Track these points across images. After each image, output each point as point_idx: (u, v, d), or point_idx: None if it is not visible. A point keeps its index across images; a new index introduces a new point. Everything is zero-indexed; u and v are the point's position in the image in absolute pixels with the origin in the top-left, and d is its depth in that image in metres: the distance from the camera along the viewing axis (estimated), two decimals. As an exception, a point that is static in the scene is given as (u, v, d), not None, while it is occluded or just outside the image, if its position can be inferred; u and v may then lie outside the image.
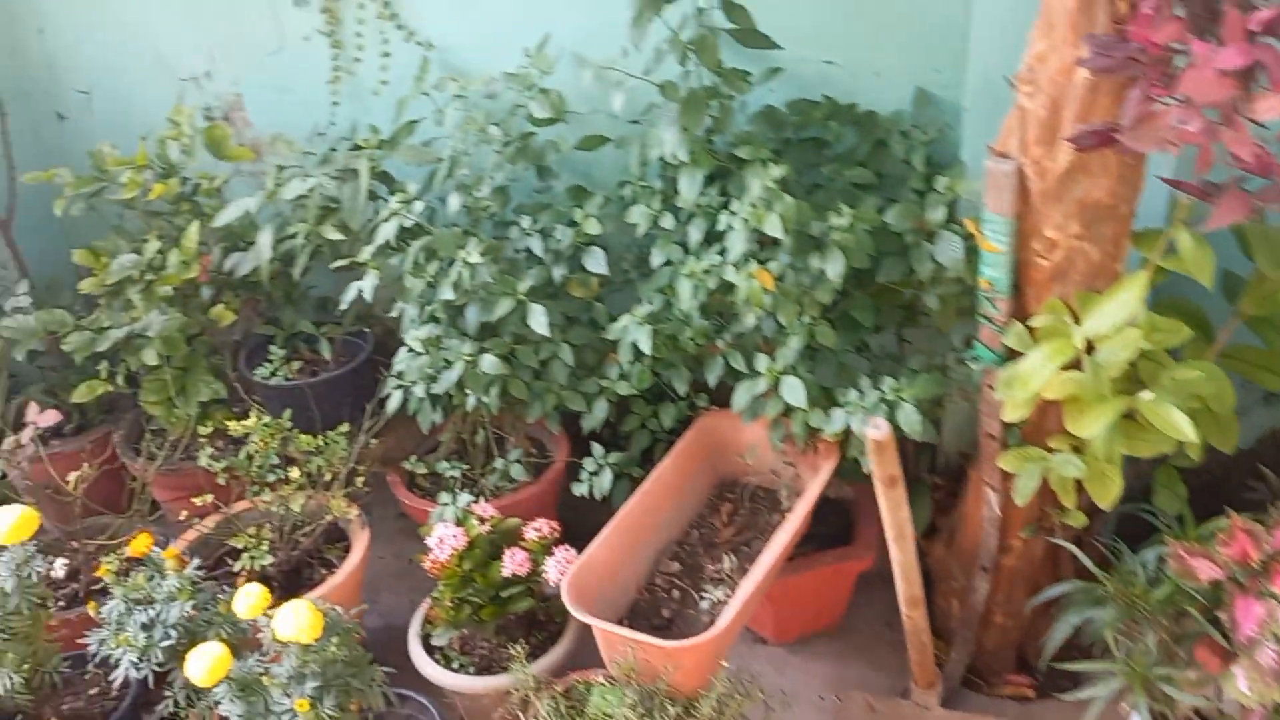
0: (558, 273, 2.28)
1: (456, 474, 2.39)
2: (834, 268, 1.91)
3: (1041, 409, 1.87)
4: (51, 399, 2.72)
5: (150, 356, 2.36)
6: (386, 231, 2.22)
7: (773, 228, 1.90)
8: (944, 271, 1.94)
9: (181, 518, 2.23)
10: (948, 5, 2.13)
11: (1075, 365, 1.74)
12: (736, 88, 2.04)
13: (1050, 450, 1.90)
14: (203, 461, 2.22)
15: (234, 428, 2.19)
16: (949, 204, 1.95)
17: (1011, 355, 1.89)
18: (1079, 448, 1.86)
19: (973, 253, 1.91)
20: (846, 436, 2.05)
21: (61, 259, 2.76)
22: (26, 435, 2.16)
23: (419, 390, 2.28)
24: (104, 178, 2.46)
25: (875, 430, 1.59)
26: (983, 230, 1.83)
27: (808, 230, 1.96)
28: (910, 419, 1.91)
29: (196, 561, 1.93)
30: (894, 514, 1.73)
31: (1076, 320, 1.78)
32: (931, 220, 1.94)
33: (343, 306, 2.31)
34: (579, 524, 2.30)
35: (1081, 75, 1.61)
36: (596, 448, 2.32)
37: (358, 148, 2.49)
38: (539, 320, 2.14)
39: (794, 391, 2.02)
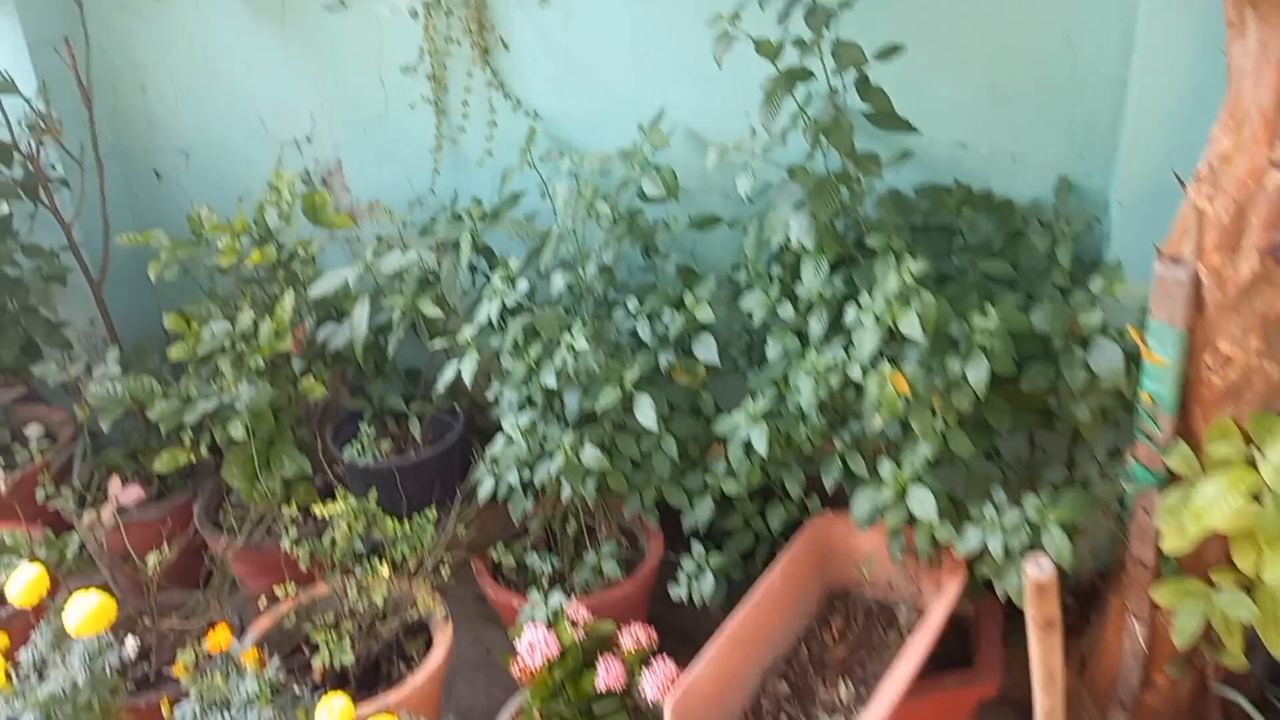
0: (664, 359, 2.15)
1: (546, 568, 2.25)
2: (977, 373, 1.75)
3: (1204, 538, 1.68)
4: (132, 462, 2.65)
5: (237, 430, 2.27)
6: (488, 311, 2.11)
7: (910, 328, 1.75)
8: (1098, 382, 1.76)
9: (261, 605, 2.11)
10: (1098, 88, 1.98)
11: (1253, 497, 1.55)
12: (870, 172, 1.90)
13: (1212, 584, 1.70)
14: (285, 545, 2.11)
15: (319, 511, 2.08)
16: (1105, 307, 1.78)
17: (1172, 477, 1.71)
18: (1248, 585, 1.66)
19: (1133, 362, 1.73)
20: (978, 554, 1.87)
21: (152, 318, 2.70)
22: (107, 513, 2.07)
23: (512, 478, 2.16)
24: (200, 242, 2.40)
25: (1036, 570, 1.42)
26: (1147, 340, 1.66)
27: (946, 330, 1.81)
28: (1059, 546, 1.73)
29: (276, 662, 1.81)
30: (1046, 659, 1.54)
31: (1249, 444, 1.59)
32: (1086, 324, 1.77)
33: (439, 389, 2.20)
34: (669, 622, 2.15)
35: (1276, 180, 1.45)
36: (697, 547, 2.17)
37: (458, 219, 2.41)
38: (646, 413, 2.00)
39: (923, 504, 1.85)
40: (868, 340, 1.81)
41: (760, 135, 1.95)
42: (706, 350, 2.10)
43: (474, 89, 2.44)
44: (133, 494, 2.13)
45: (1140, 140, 1.85)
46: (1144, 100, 1.83)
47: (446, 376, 2.18)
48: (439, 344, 2.23)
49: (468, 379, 2.12)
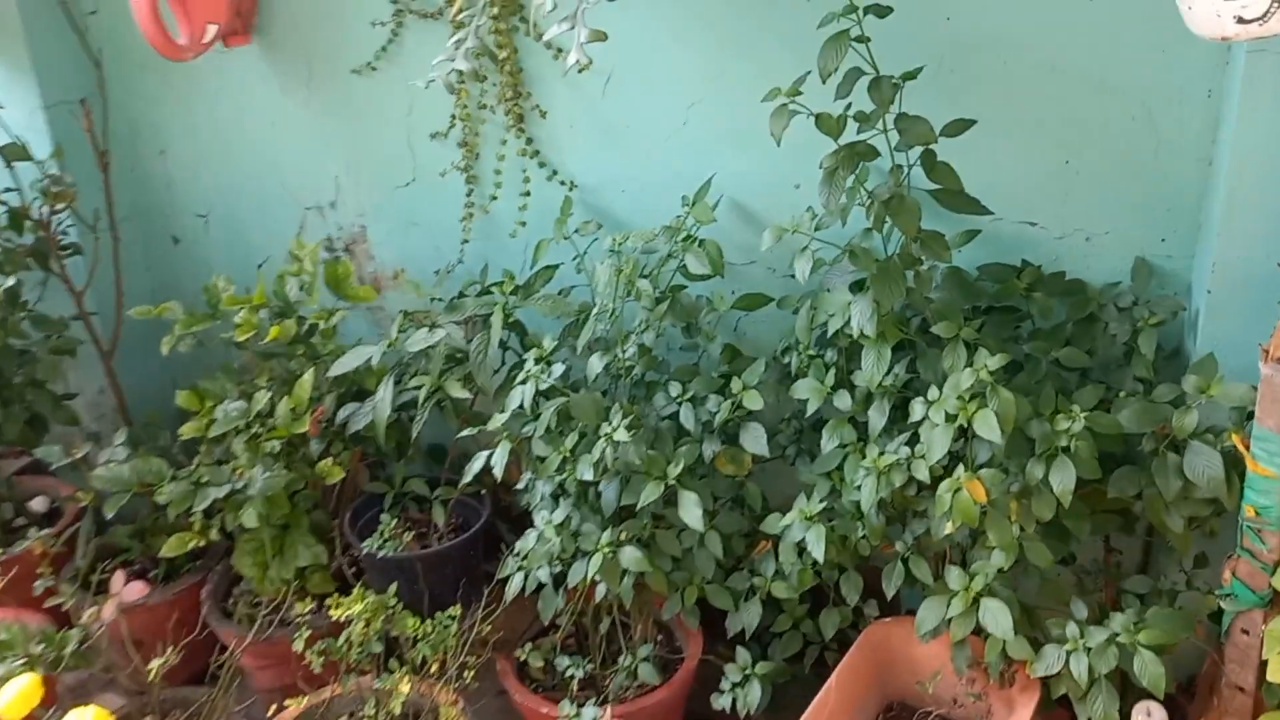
0: (708, 449, 2.00)
1: (578, 672, 2.08)
2: (1062, 480, 1.59)
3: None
4: (139, 542, 2.51)
5: (250, 518, 2.13)
6: (521, 397, 1.96)
7: (987, 429, 1.59)
8: (1194, 490, 1.60)
9: (270, 709, 1.96)
10: (1180, 165, 1.85)
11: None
12: (937, 255, 1.76)
13: (1325, 718, 1.53)
14: (297, 646, 1.96)
15: (334, 609, 1.93)
16: (1200, 408, 1.62)
17: (1278, 598, 1.55)
18: (1367, 721, 1.49)
19: (1234, 471, 1.57)
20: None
21: (164, 389, 2.57)
22: (109, 610, 1.93)
23: (543, 574, 2.00)
24: (216, 315, 2.27)
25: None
26: (1252, 449, 1.50)
27: (1024, 430, 1.65)
28: (1152, 672, 1.56)
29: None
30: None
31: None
32: (1179, 427, 1.61)
33: (466, 478, 2.06)
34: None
35: None
36: (743, 654, 2.00)
37: (488, 292, 2.27)
38: (691, 512, 1.85)
39: (997, 618, 1.68)
40: (938, 442, 1.65)
41: (818, 215, 1.81)
42: (755, 441, 1.95)
43: (507, 156, 2.32)
44: (135, 590, 1.99)
45: (1235, 225, 1.70)
46: (1238, 181, 1.68)
47: (475, 467, 2.04)
48: (468, 432, 2.08)
49: (498, 471, 1.97)
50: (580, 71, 1.58)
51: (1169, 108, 1.83)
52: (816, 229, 1.86)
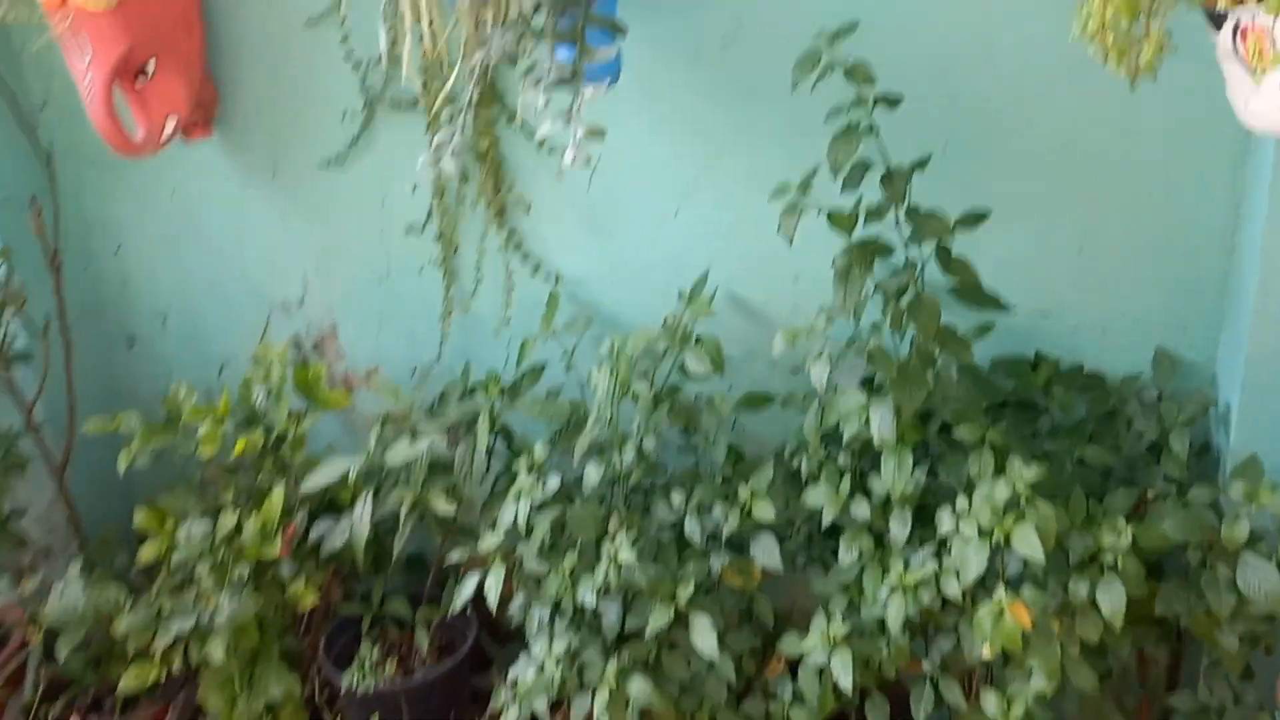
0: (716, 563, 1.87)
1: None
2: (1111, 600, 1.48)
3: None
4: (94, 672, 2.31)
5: (217, 650, 1.95)
6: (514, 515, 1.82)
7: (1027, 546, 1.48)
8: (1249, 606, 1.49)
9: None
10: (1202, 252, 1.78)
11: None
12: (958, 355, 1.66)
13: None
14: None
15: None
16: (1250, 516, 1.52)
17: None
18: None
19: (1292, 584, 1.47)
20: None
21: (121, 505, 2.39)
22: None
23: (540, 706, 1.84)
24: (177, 428, 2.11)
25: None
26: (1314, 562, 1.39)
27: (1063, 541, 1.54)
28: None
29: None
30: None
31: None
32: (1230, 538, 1.51)
33: (455, 606, 1.90)
34: None
35: None
36: (759, 786, 1.85)
37: (471, 393, 2.14)
38: (705, 638, 1.71)
39: (1042, 749, 1.56)
40: (973, 560, 1.53)
41: (831, 315, 1.71)
42: (768, 553, 1.82)
43: (488, 250, 2.20)
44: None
45: (1270, 318, 1.62)
46: (1271, 272, 1.60)
47: (465, 593, 1.89)
48: (456, 556, 1.93)
49: (492, 599, 1.82)
50: (564, 160, 1.48)
51: (1188, 193, 1.76)
52: (850, 341, 1.75)
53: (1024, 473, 1.52)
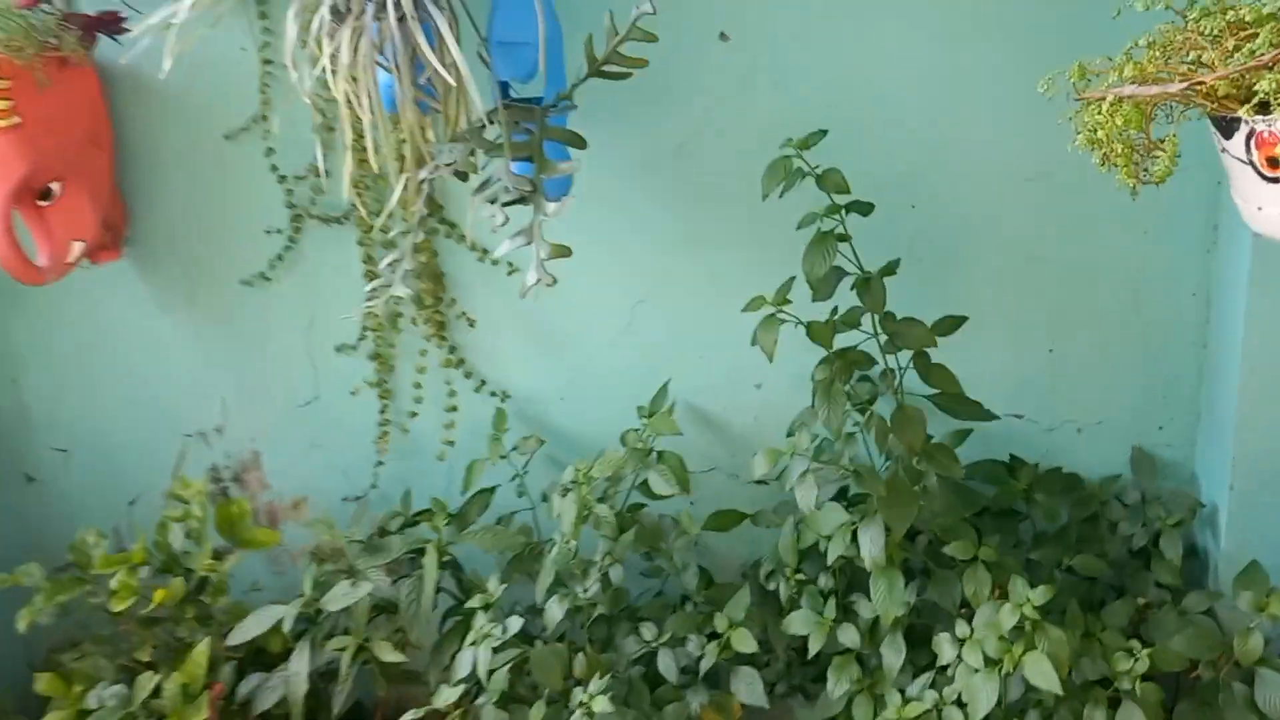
0: (694, 701, 1.73)
1: None
2: (1132, 731, 1.38)
3: None
4: None
5: (134, 838, 1.72)
6: (473, 663, 1.66)
7: (1040, 676, 1.38)
8: (1270, 724, 1.42)
9: None
10: (1174, 351, 1.76)
11: None
12: (947, 470, 1.57)
13: None
14: None
15: None
16: (1261, 628, 1.46)
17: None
18: None
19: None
20: None
21: (18, 667, 2.15)
22: None
23: None
24: (86, 580, 1.90)
25: None
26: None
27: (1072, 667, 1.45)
28: None
29: None
30: None
31: None
32: (1244, 653, 1.43)
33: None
34: None
35: None
36: None
37: (414, 523, 1.98)
38: (694, 795, 1.56)
39: None
40: (982, 693, 1.43)
41: (813, 433, 1.61)
42: (750, 690, 1.69)
43: (428, 368, 2.06)
44: None
45: (1255, 416, 1.59)
46: (1253, 372, 1.57)
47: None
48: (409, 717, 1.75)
49: (455, 765, 1.65)
50: (506, 270, 1.37)
51: (1156, 289, 1.74)
52: (818, 452, 1.65)
53: (1029, 595, 1.43)
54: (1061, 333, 1.79)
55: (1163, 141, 1.09)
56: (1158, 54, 1.08)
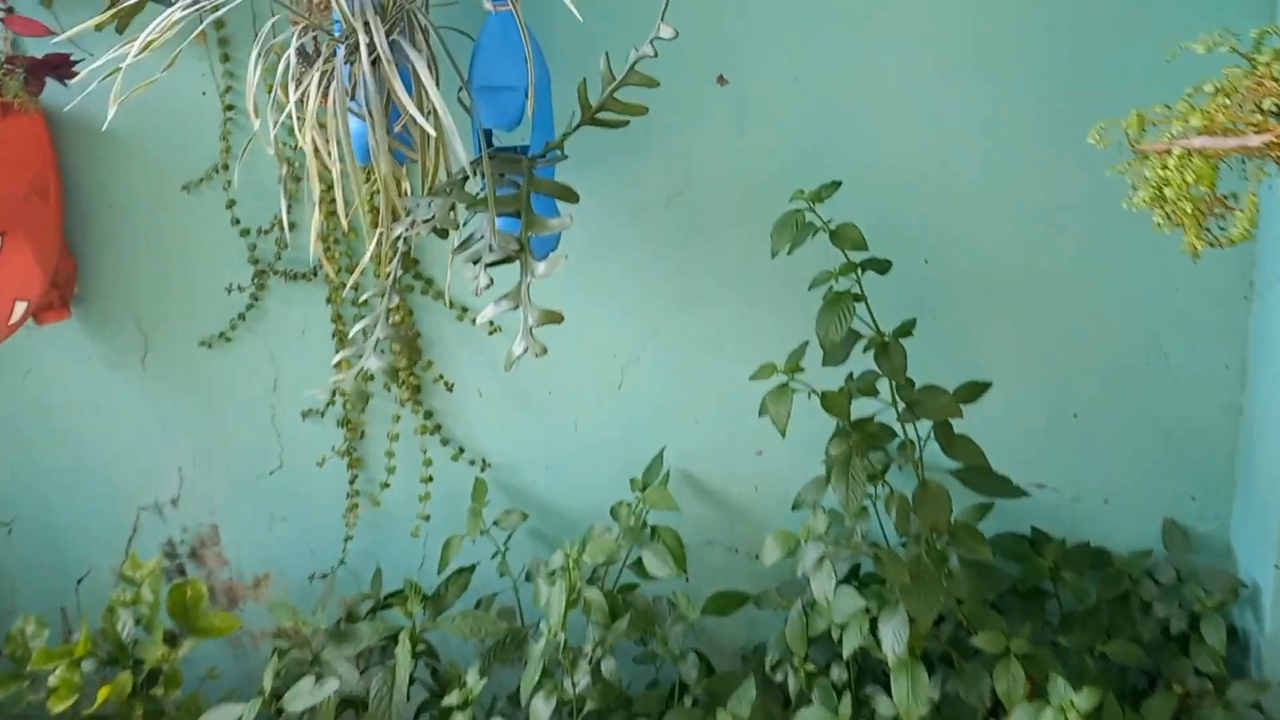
0: (700, 808, 1.57)
1: None
2: None
3: None
4: None
5: None
6: (453, 770, 1.50)
7: (1089, 788, 1.24)
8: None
9: None
10: (1208, 416, 1.63)
11: None
12: (974, 552, 1.43)
13: None
14: None
15: None
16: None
17: None
18: None
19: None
20: None
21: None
22: None
23: None
24: (23, 676, 1.72)
25: None
26: None
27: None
28: None
29: None
30: None
31: None
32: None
33: None
34: None
35: None
36: None
37: (385, 605, 1.82)
38: None
39: None
40: (1026, 806, 1.28)
41: (829, 516, 1.47)
42: (760, 794, 1.53)
43: (402, 435, 1.91)
44: None
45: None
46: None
47: None
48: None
49: None
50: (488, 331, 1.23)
51: (1187, 350, 1.61)
52: (828, 527, 1.51)
53: (1073, 699, 1.29)
54: (1086, 395, 1.67)
55: (1231, 197, 0.97)
56: (1225, 101, 0.95)
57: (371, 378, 1.79)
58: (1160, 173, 0.95)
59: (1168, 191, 0.94)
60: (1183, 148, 0.92)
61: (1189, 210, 0.94)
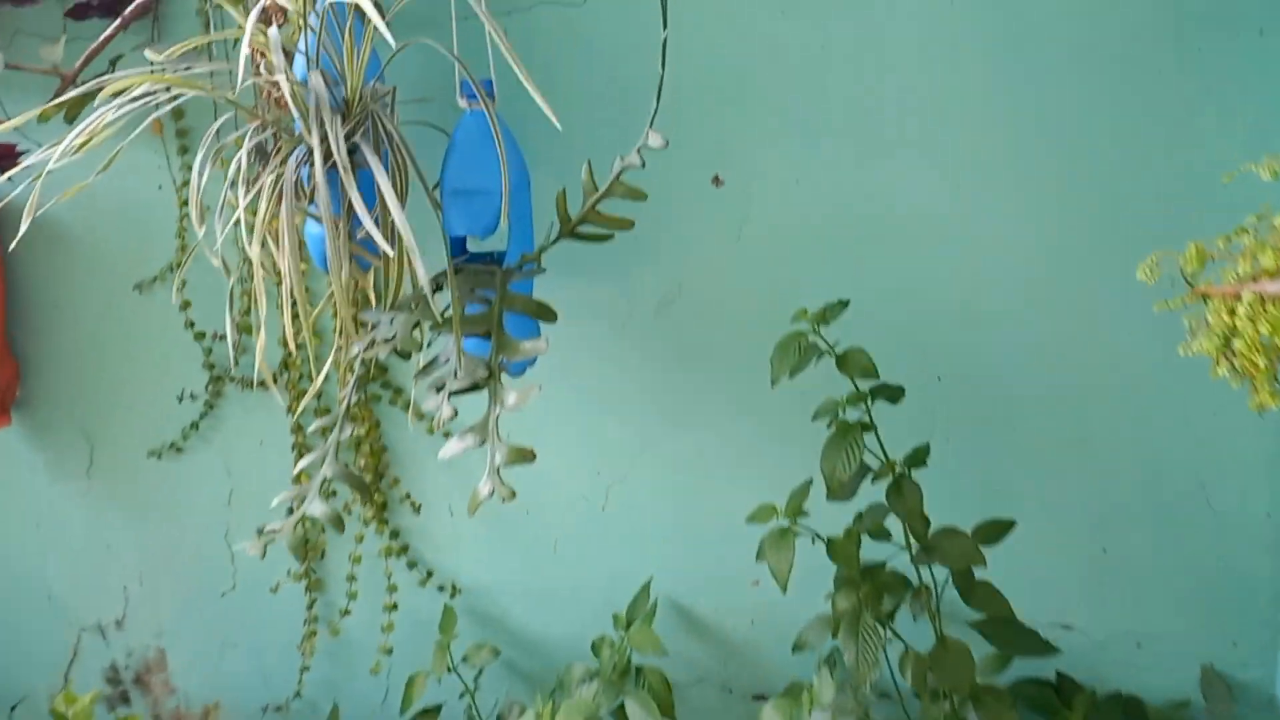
0: None
1: None
2: None
3: None
4: None
5: None
6: None
7: None
8: None
9: None
10: (1249, 556, 1.48)
11: None
12: (999, 717, 1.27)
13: None
14: None
15: None
16: None
17: None
18: None
19: None
20: None
21: None
22: None
23: None
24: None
25: None
26: None
27: None
28: None
29: None
30: None
31: None
32: None
33: None
34: None
35: None
36: None
37: (342, 749, 1.65)
38: None
39: None
40: None
41: (839, 681, 1.31)
42: None
43: (364, 556, 1.75)
44: None
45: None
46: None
47: None
48: None
49: None
50: (504, 501, 1.08)
51: (1226, 482, 1.47)
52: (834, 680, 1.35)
53: None
54: (1116, 530, 1.52)
55: (1305, 345, 0.83)
56: (1295, 237, 0.82)
57: (313, 523, 1.63)
58: (1226, 319, 0.82)
59: (1237, 344, 0.80)
60: (1257, 293, 0.79)
61: (1261, 365, 0.80)
